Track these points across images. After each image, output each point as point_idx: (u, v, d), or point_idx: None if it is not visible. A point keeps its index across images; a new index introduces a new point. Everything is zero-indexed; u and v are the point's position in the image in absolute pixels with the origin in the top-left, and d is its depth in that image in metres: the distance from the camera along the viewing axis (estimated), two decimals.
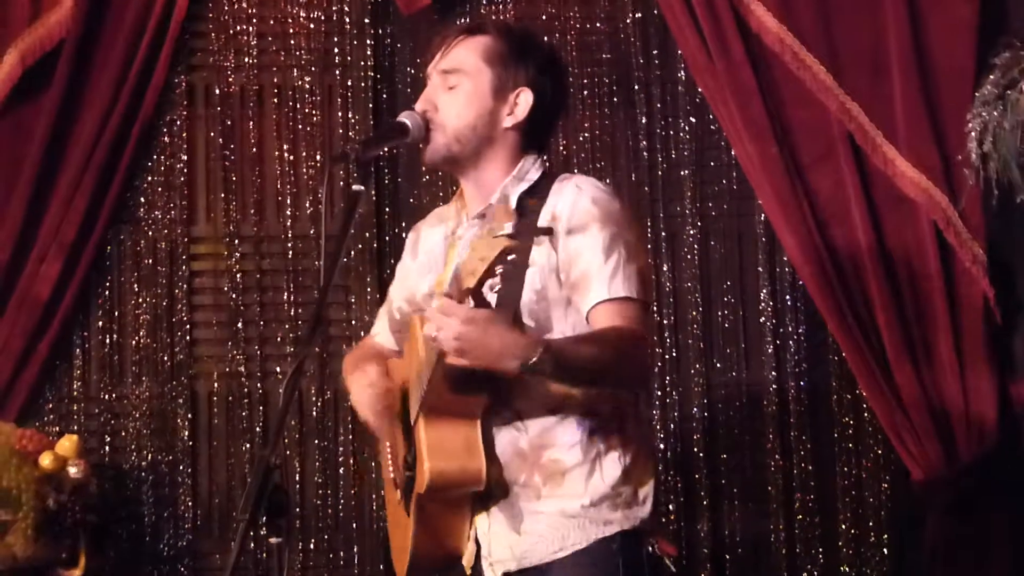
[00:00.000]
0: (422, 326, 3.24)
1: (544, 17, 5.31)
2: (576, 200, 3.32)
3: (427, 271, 3.60)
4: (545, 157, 3.51)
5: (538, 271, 3.28)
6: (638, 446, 3.41)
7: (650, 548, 3.39)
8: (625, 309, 3.27)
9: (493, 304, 3.09)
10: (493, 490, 3.31)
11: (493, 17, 5.26)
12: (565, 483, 3.32)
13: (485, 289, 3.06)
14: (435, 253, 3.59)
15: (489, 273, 2.87)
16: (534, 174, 3.43)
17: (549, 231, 2.93)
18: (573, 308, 3.32)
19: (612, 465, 3.35)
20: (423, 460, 3.22)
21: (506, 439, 3.32)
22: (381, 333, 3.81)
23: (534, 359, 3.03)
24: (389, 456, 3.62)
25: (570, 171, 5.00)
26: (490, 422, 3.29)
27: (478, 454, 3.24)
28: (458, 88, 3.43)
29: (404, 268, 3.74)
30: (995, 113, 4.46)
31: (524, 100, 3.43)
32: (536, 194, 3.38)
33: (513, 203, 3.37)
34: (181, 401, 5.22)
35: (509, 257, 2.85)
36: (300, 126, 5.30)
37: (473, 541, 3.39)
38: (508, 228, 2.81)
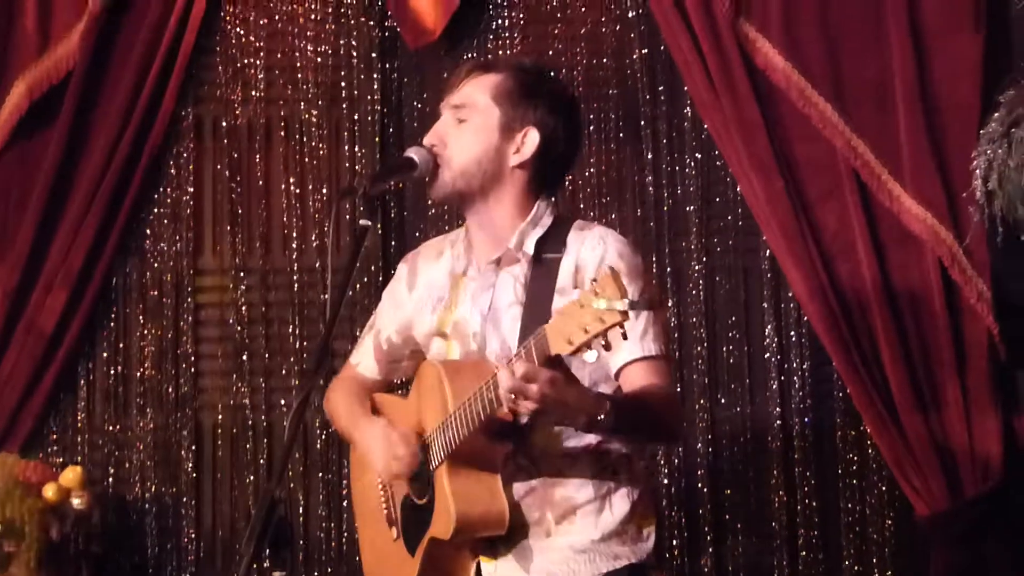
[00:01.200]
0: (447, 374, 3.29)
1: (551, 52, 5.33)
2: (603, 253, 3.34)
3: (430, 308, 3.58)
4: (555, 201, 3.52)
5: None
6: (644, 483, 3.45)
7: None
8: (658, 367, 3.32)
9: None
10: (509, 532, 3.32)
11: (500, 52, 5.28)
12: (576, 520, 3.35)
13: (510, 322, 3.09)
14: (438, 290, 3.58)
15: (588, 344, 2.86)
16: (547, 219, 3.44)
17: (651, 307, 2.94)
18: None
19: (621, 502, 3.39)
20: (449, 505, 3.24)
21: (519, 478, 3.34)
22: (364, 363, 3.79)
23: (601, 415, 3.08)
24: (382, 494, 3.62)
25: (576, 206, 5.12)
26: (508, 465, 3.31)
27: (501, 499, 3.27)
28: (466, 124, 3.43)
29: (397, 298, 3.71)
30: (1000, 151, 4.47)
31: (531, 140, 3.42)
32: (551, 240, 3.40)
33: (530, 249, 3.39)
34: (185, 433, 5.22)
35: (614, 331, 2.84)
36: (307, 160, 5.32)
37: None
38: (623, 304, 2.78)
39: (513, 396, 2.99)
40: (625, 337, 2.87)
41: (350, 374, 3.83)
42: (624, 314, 2.79)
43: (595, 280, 2.84)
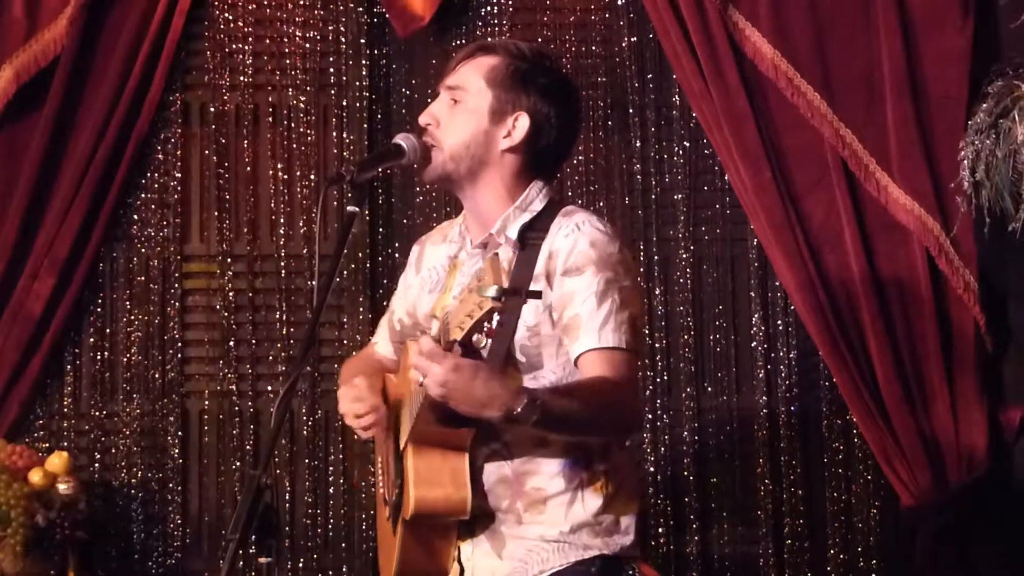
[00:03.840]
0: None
1: (540, 40, 5.32)
2: (576, 240, 3.31)
3: (429, 290, 3.60)
4: (551, 187, 3.50)
5: (532, 308, 3.25)
6: (623, 475, 3.42)
7: (631, 572, 3.40)
8: (614, 359, 3.26)
9: (484, 352, 3.10)
10: (478, 518, 3.33)
11: (489, 39, 5.27)
12: (547, 511, 3.33)
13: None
14: (438, 272, 3.59)
15: (475, 330, 2.86)
16: (538, 204, 3.42)
17: (538, 295, 2.91)
18: (564, 347, 3.32)
19: (593, 495, 3.36)
20: (409, 488, 3.24)
21: (491, 466, 3.33)
22: (381, 343, 3.82)
23: (517, 410, 3.03)
24: (381, 473, 3.64)
25: (564, 194, 5.10)
26: (477, 451, 3.30)
27: (464, 484, 3.25)
28: (458, 105, 3.43)
29: (407, 280, 3.73)
30: (988, 141, 4.48)
31: (521, 125, 3.40)
32: (538, 226, 3.38)
33: (514, 235, 3.38)
34: (172, 419, 5.21)
35: (495, 317, 2.83)
36: (295, 146, 5.31)
37: (457, 563, 3.40)
38: (492, 291, 2.76)
39: (421, 378, 2.99)
40: (502, 324, 2.88)
41: (368, 350, 3.88)
42: (496, 300, 2.77)
43: (481, 267, 2.84)
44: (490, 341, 2.93)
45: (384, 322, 3.83)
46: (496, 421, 3.09)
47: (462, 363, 2.97)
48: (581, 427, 3.26)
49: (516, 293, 2.85)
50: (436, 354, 2.97)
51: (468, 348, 2.99)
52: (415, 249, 3.75)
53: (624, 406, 3.35)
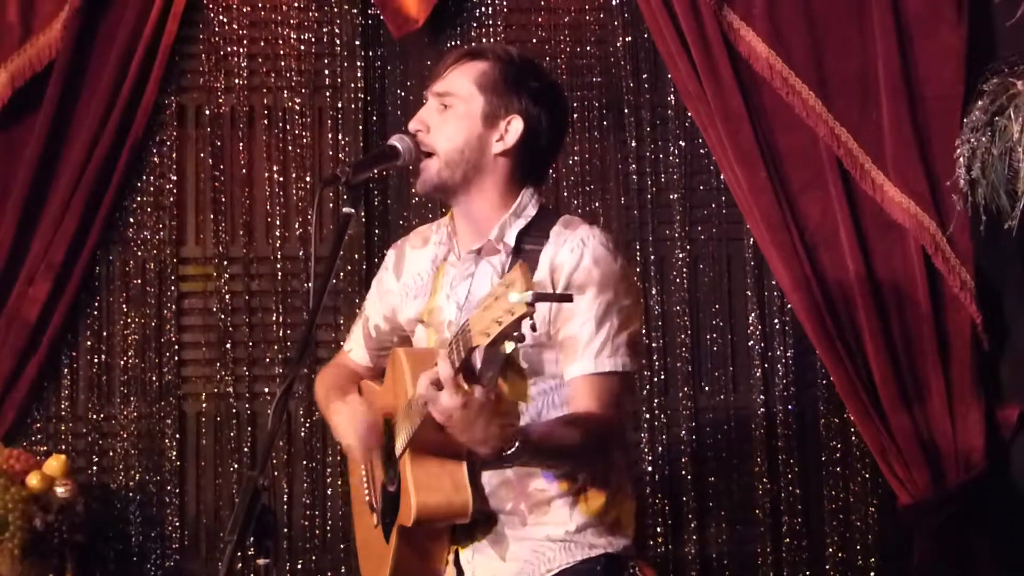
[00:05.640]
0: (408, 362, 3.29)
1: (535, 40, 5.33)
2: (580, 256, 3.31)
3: (414, 295, 3.59)
4: (540, 192, 3.50)
5: (539, 315, 3.22)
6: (621, 474, 3.44)
7: (632, 570, 3.42)
8: (606, 384, 3.29)
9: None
10: (478, 521, 3.33)
11: (484, 40, 5.27)
12: (551, 511, 3.35)
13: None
14: (422, 278, 3.58)
15: (503, 336, 2.82)
16: (531, 210, 3.43)
17: (569, 298, 2.90)
18: None
19: (596, 494, 3.38)
20: (410, 494, 3.23)
21: (492, 468, 3.32)
22: (355, 350, 3.82)
23: (509, 452, 3.05)
24: (365, 480, 3.63)
25: (560, 195, 5.12)
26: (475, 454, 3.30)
27: (464, 487, 3.26)
28: (449, 111, 3.42)
29: (384, 285, 3.73)
30: (984, 139, 4.49)
31: (514, 128, 3.40)
32: (533, 232, 3.39)
33: (511, 240, 3.38)
34: (169, 422, 5.21)
35: (527, 323, 2.80)
36: (290, 148, 5.30)
37: (453, 566, 3.41)
38: (528, 296, 2.74)
39: (424, 402, 3.00)
40: (534, 329, 2.83)
41: (340, 361, 3.86)
42: (530, 306, 2.74)
43: (507, 273, 2.84)
44: (516, 346, 2.91)
45: (358, 329, 3.82)
46: (483, 455, 3.09)
47: (471, 402, 2.96)
48: (563, 460, 3.29)
49: (549, 298, 2.85)
50: (449, 385, 2.95)
51: (471, 375, 2.99)
52: (391, 253, 3.75)
53: (609, 436, 3.36)
